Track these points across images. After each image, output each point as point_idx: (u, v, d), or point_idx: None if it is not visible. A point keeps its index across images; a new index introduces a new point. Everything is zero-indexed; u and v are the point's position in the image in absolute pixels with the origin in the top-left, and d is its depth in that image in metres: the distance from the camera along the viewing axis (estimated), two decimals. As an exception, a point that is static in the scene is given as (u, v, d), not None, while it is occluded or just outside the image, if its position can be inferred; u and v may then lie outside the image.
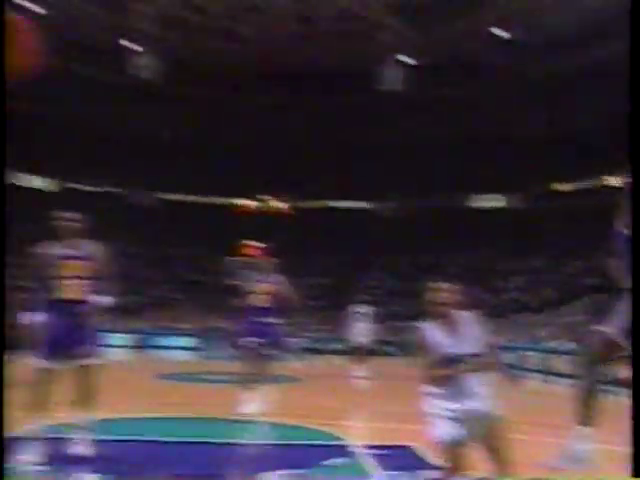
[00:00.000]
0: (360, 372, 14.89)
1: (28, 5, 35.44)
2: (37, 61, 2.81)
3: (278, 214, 42.71)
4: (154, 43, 38.90)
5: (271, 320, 8.24)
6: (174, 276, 37.11)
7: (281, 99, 40.93)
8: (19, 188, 40.60)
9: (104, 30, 38.05)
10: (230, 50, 39.22)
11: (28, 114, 37.63)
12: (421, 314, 4.12)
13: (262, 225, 37.79)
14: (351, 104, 40.02)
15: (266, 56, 39.12)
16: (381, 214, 42.34)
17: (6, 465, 2.75)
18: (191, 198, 42.94)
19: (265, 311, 8.24)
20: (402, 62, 38.87)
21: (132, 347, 27.76)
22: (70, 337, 5.48)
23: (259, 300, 8.25)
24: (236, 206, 43.28)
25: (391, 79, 38.94)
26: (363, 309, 16.31)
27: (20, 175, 39.45)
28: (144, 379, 14.22)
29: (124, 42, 39.38)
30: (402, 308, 30.45)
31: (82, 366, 5.50)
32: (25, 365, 5.64)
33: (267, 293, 8.26)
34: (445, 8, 34.66)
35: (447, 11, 34.85)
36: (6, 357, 2.75)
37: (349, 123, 40.92)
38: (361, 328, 16.03)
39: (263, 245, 29.42)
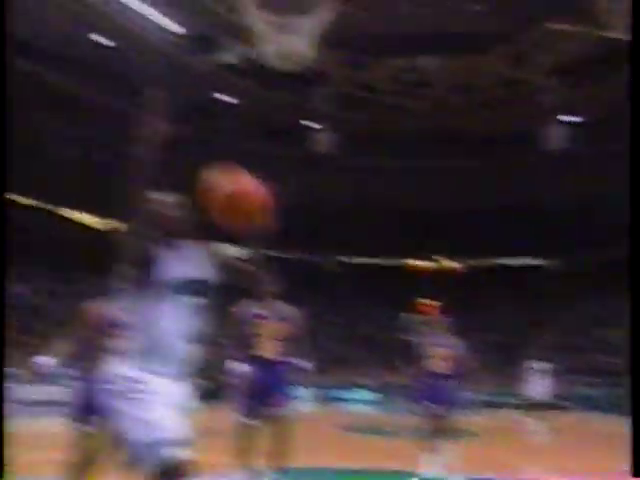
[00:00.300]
0: (536, 427, 14.31)
1: (225, 98, 38.24)
2: (266, 220, 3.13)
3: (451, 273, 42.37)
4: (330, 120, 40.34)
5: (448, 383, 7.98)
6: (355, 333, 37.48)
7: (447, 163, 40.97)
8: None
9: (287, 112, 40.03)
10: (399, 121, 39.98)
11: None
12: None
13: (436, 283, 37.57)
14: (516, 165, 39.33)
15: (432, 125, 39.50)
16: (550, 269, 40.86)
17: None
18: (369, 260, 43.53)
19: (442, 376, 7.98)
20: (563, 121, 37.73)
21: (317, 400, 28.14)
22: (267, 393, 5.73)
23: (436, 364, 8.01)
24: (411, 266, 43.42)
25: (553, 138, 37.80)
26: (538, 364, 15.75)
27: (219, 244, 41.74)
28: (328, 431, 14.40)
29: (305, 122, 41.14)
30: (575, 363, 28.96)
31: (278, 419, 5.70)
32: (227, 415, 5.95)
33: (444, 357, 7.97)
34: (601, 65, 33.59)
35: (603, 68, 33.74)
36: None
37: (515, 183, 40.17)
38: (536, 383, 15.47)
39: (437, 303, 29.14)
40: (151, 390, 2.86)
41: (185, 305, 3.03)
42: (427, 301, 34.43)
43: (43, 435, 10.75)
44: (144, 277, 2.96)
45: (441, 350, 7.86)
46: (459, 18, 33.58)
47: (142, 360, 2.90)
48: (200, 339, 3.12)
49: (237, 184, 3.05)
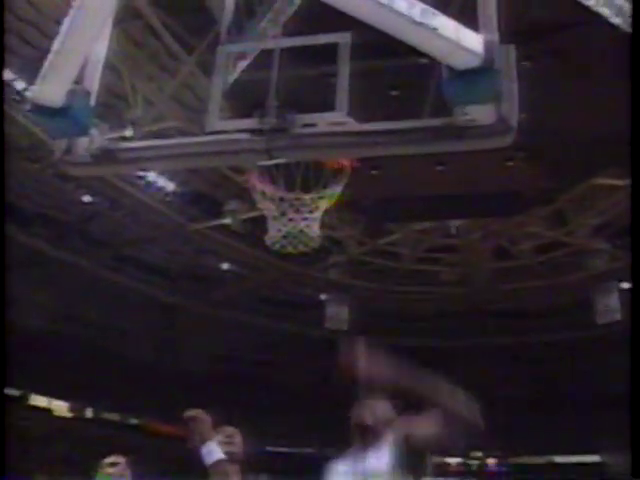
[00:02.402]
0: None
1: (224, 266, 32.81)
2: None
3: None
4: (342, 291, 34.62)
5: None
6: None
7: (478, 341, 35.30)
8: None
9: (292, 282, 34.82)
10: (427, 292, 34.27)
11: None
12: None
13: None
14: (563, 342, 33.52)
15: (466, 296, 33.83)
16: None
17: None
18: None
19: None
20: (618, 288, 31.61)
21: None
22: None
23: None
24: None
25: (608, 308, 31.62)
26: None
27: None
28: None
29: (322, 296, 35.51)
30: None
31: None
32: None
33: None
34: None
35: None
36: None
37: (558, 362, 34.34)
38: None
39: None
40: None
41: None
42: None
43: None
44: None
45: None
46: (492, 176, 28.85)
47: None
48: None
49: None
